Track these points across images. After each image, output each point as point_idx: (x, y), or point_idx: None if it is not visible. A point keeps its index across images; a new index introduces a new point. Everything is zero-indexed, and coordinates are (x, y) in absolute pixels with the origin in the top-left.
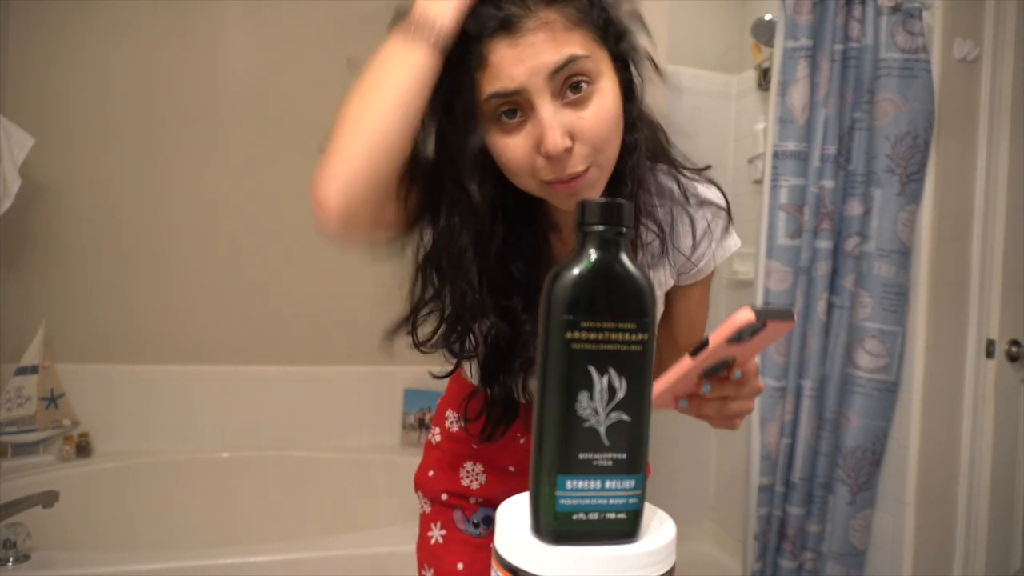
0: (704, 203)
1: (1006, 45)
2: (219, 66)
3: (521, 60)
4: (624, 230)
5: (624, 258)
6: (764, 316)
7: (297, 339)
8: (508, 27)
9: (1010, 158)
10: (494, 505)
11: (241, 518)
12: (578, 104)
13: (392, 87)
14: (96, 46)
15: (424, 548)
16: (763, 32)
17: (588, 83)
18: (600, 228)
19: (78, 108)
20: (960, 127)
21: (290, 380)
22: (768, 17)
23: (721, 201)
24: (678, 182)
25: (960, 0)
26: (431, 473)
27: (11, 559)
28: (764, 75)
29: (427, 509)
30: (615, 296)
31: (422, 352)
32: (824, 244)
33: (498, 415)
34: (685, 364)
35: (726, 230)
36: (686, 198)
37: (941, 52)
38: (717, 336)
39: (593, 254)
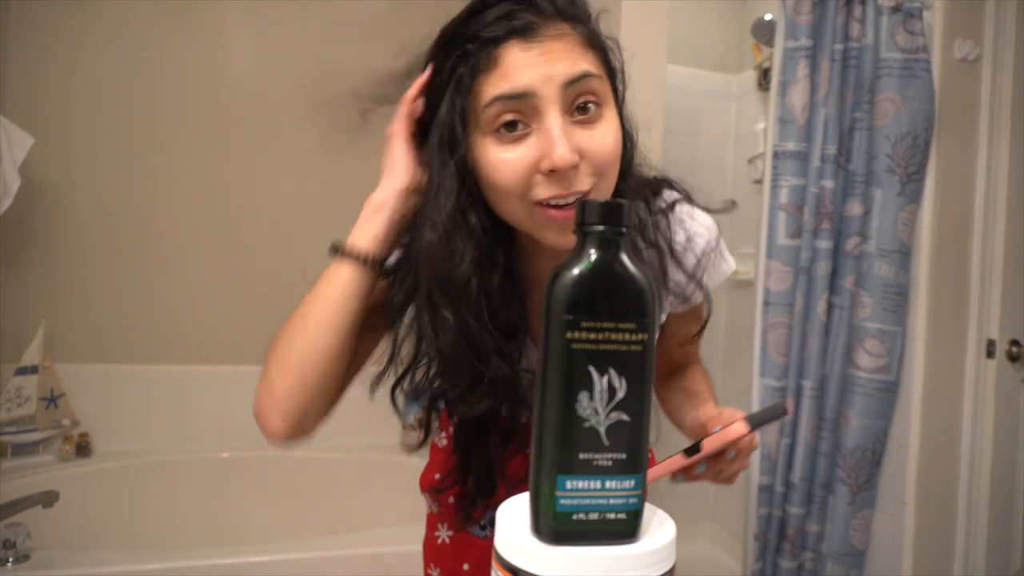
0: (695, 236)
1: (1006, 45)
2: (219, 66)
3: (536, 64)
4: (624, 230)
5: (624, 258)
6: (757, 423)
7: None
8: (524, 32)
9: (1010, 158)
10: (513, 485)
11: (241, 518)
12: (587, 124)
13: (321, 306)
14: (96, 46)
15: (431, 547)
16: (763, 32)
17: (597, 105)
18: (600, 228)
19: (78, 108)
20: (960, 127)
21: None
22: (768, 17)
23: (713, 232)
24: (664, 224)
25: (960, 0)
26: (437, 476)
27: (11, 559)
28: (764, 75)
29: (434, 509)
30: (615, 296)
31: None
32: (824, 244)
33: (472, 491)
34: (677, 460)
35: (718, 258)
36: (671, 242)
37: (941, 52)
38: (711, 443)
39: (593, 254)
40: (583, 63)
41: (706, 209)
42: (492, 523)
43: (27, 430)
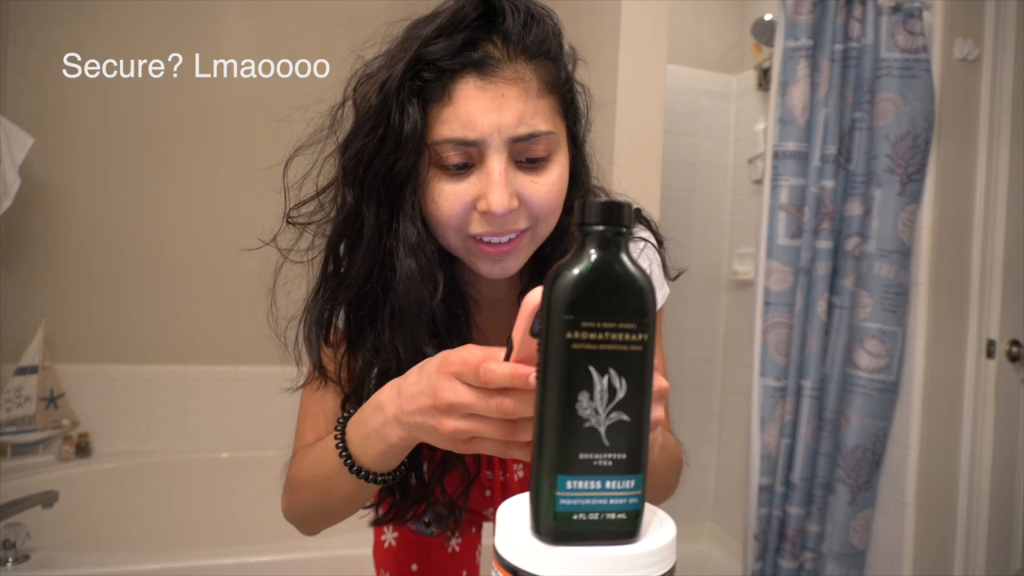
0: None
1: (1006, 45)
2: (219, 66)
3: (488, 110)
4: (624, 230)
5: (624, 258)
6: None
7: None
8: (481, 67)
9: (1010, 158)
10: (444, 503)
11: (241, 518)
12: (532, 170)
13: (344, 494)
14: (96, 46)
15: (379, 552)
16: (763, 32)
17: (546, 155)
18: (600, 228)
19: (78, 108)
20: (960, 127)
21: (289, 380)
22: (768, 17)
23: (656, 260)
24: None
25: (960, 0)
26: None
27: (11, 559)
28: (764, 75)
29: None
30: (615, 296)
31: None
32: (824, 244)
33: (400, 498)
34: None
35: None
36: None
37: (941, 52)
38: (518, 330)
39: (593, 254)
40: (536, 119)
41: (664, 268)
42: (437, 520)
43: (27, 430)
